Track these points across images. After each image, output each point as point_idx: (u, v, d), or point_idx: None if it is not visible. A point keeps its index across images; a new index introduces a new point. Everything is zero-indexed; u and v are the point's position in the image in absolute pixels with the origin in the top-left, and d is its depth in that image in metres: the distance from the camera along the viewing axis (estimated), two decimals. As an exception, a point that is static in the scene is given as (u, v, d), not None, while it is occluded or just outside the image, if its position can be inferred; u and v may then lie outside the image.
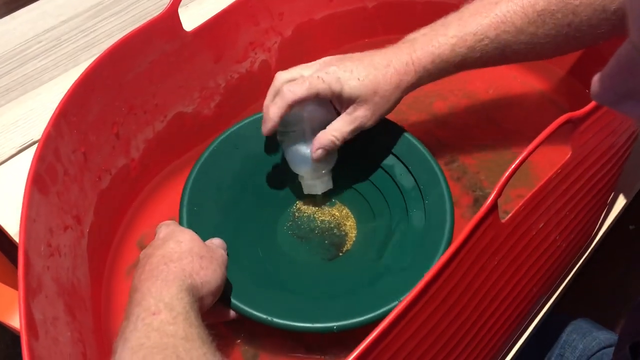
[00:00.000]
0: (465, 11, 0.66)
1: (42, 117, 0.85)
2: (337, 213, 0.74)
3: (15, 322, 0.65)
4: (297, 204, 0.75)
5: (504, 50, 0.65)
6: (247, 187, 0.72)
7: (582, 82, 0.87)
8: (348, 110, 0.65)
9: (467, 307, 0.50)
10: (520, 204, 0.49)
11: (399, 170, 0.71)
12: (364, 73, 0.64)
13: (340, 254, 0.70)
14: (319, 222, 0.73)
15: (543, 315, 0.68)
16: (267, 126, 0.65)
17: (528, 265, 0.56)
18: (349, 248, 0.70)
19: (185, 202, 0.67)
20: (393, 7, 0.92)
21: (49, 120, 0.59)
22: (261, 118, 0.69)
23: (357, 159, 0.74)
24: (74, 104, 0.62)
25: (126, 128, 0.70)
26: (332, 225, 0.73)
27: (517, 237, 0.51)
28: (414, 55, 0.65)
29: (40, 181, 0.56)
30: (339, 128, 0.65)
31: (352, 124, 0.65)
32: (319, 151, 0.66)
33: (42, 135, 0.57)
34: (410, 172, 0.70)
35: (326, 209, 0.74)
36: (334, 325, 0.57)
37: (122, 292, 0.70)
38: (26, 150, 0.82)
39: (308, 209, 0.74)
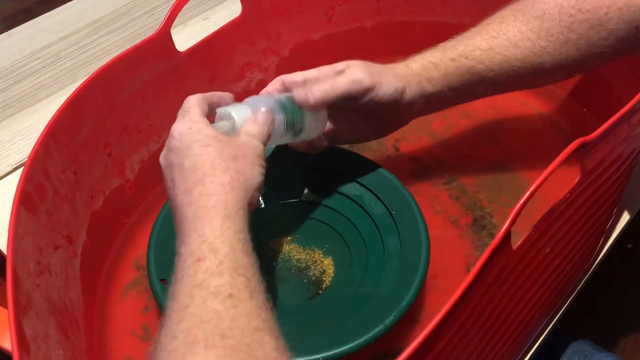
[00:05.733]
0: (459, 35, 0.68)
1: (38, 135, 0.84)
2: (312, 251, 0.71)
3: (5, 342, 0.64)
4: (268, 244, 0.72)
5: (502, 65, 0.65)
6: None
7: (582, 103, 0.86)
8: (345, 71, 0.63)
9: (475, 336, 0.49)
10: (530, 230, 0.48)
11: (368, 199, 0.70)
12: (363, 62, 0.65)
13: (320, 292, 0.68)
14: (294, 261, 0.70)
15: (544, 338, 0.67)
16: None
17: (534, 290, 0.56)
18: (328, 285, 0.68)
19: (152, 251, 0.65)
20: (391, 27, 0.91)
21: (37, 139, 0.58)
22: None
23: (325, 193, 0.73)
24: (63, 124, 0.61)
25: (120, 148, 0.70)
26: (308, 264, 0.70)
27: (526, 263, 0.51)
28: (409, 64, 0.67)
29: (28, 200, 0.56)
30: (331, 81, 0.63)
31: (345, 78, 0.63)
32: (306, 94, 0.62)
33: (29, 155, 0.57)
34: (380, 200, 0.69)
35: (300, 246, 0.72)
36: (320, 357, 0.56)
37: (117, 313, 0.69)
38: (22, 168, 0.81)
39: (281, 248, 0.72)
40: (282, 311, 0.65)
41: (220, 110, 0.59)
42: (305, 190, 0.74)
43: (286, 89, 0.64)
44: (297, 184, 0.74)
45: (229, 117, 0.58)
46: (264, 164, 0.55)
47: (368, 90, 0.63)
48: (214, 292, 0.44)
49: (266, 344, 0.43)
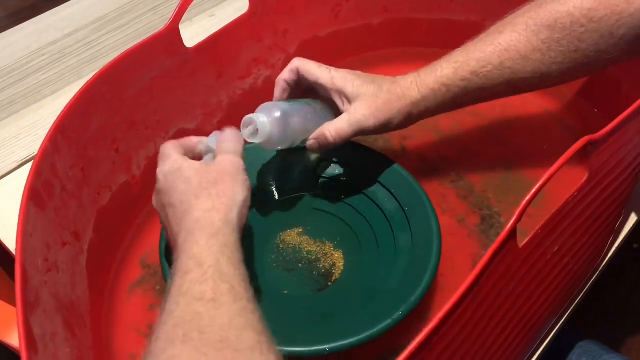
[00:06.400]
0: (470, 43, 0.68)
1: (44, 131, 0.83)
2: (323, 243, 0.72)
3: (13, 340, 0.64)
4: (280, 235, 0.72)
5: (511, 79, 0.66)
6: None
7: (589, 101, 0.86)
8: (349, 110, 0.65)
9: (481, 335, 0.49)
10: (537, 228, 0.48)
11: (381, 194, 0.71)
12: (370, 79, 0.67)
13: (330, 284, 0.68)
14: (305, 252, 0.71)
15: (552, 338, 0.67)
16: (275, 92, 0.68)
17: (542, 289, 0.55)
18: (337, 277, 0.68)
19: (164, 235, 0.65)
20: (398, 24, 0.91)
21: (46, 135, 0.58)
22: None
23: (339, 186, 0.74)
24: (72, 119, 0.61)
25: (127, 144, 0.70)
26: (319, 256, 0.70)
27: (533, 262, 0.50)
28: (418, 78, 0.67)
29: (37, 196, 0.55)
30: (335, 124, 0.65)
31: (350, 121, 0.65)
32: (312, 142, 0.66)
33: (38, 150, 0.57)
34: (393, 195, 0.70)
35: (312, 239, 0.72)
36: (326, 347, 0.56)
37: (123, 310, 0.69)
38: (27, 165, 0.81)
39: (293, 240, 0.72)
40: (291, 302, 0.66)
41: (245, 118, 0.63)
42: (319, 183, 0.75)
43: (298, 78, 0.67)
44: (310, 177, 0.75)
45: (252, 122, 0.63)
46: (245, 177, 0.58)
47: (375, 129, 0.66)
48: (198, 297, 0.46)
49: (246, 338, 0.44)
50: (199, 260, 0.49)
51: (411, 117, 0.67)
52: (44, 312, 0.51)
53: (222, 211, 0.53)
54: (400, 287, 0.61)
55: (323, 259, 0.70)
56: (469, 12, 0.89)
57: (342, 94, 0.66)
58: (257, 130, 0.62)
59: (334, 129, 0.65)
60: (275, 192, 0.74)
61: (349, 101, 0.65)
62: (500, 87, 0.67)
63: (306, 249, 0.71)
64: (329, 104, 0.68)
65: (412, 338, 0.63)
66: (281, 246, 0.72)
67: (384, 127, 0.66)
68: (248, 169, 0.71)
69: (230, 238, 0.52)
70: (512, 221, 0.45)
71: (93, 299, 0.64)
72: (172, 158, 0.58)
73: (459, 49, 0.68)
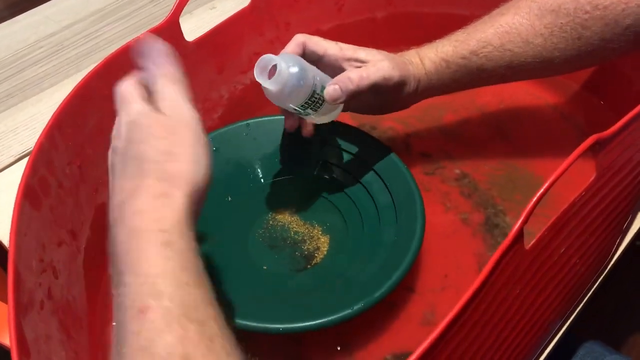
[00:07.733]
0: (472, 24, 0.69)
1: (42, 125, 0.82)
2: (312, 226, 0.72)
3: (6, 340, 0.63)
4: (272, 213, 0.73)
5: (512, 61, 0.66)
6: (224, 190, 0.72)
7: (597, 96, 0.85)
8: (371, 62, 0.64)
9: (488, 338, 0.48)
10: (543, 229, 0.47)
11: (377, 187, 0.71)
12: (376, 49, 0.67)
13: (309, 267, 0.68)
14: (292, 232, 0.71)
15: (558, 340, 0.66)
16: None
17: (549, 291, 0.54)
18: (318, 262, 0.69)
19: None
20: (403, 18, 0.90)
21: (42, 131, 0.57)
22: (246, 125, 0.73)
23: (339, 173, 0.75)
24: (69, 115, 0.60)
25: (125, 140, 0.68)
26: (305, 238, 0.71)
27: (540, 263, 0.49)
28: (420, 52, 0.69)
29: (32, 194, 0.54)
30: (359, 71, 0.63)
31: (376, 66, 0.64)
32: (331, 87, 0.62)
33: (34, 147, 0.56)
34: (388, 190, 0.70)
35: (302, 220, 0.73)
36: (280, 327, 0.57)
37: (120, 309, 0.67)
38: (24, 159, 0.80)
39: (283, 219, 0.73)
40: (265, 278, 0.67)
41: (263, 57, 0.59)
42: (320, 167, 0.75)
43: (304, 52, 0.65)
44: (313, 159, 0.75)
45: (269, 63, 0.59)
46: (204, 138, 0.46)
47: (395, 86, 0.65)
48: (163, 355, 0.36)
49: None
50: (155, 288, 0.38)
51: (419, 88, 0.67)
52: (38, 314, 0.50)
53: (177, 197, 0.42)
54: (370, 280, 0.62)
55: (309, 241, 0.71)
56: (475, 7, 0.87)
57: (354, 59, 0.65)
58: (274, 73, 0.58)
59: (357, 73, 0.63)
60: (275, 170, 0.75)
61: (365, 63, 0.65)
62: (502, 70, 0.67)
63: (294, 229, 0.72)
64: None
65: (418, 342, 0.62)
66: (271, 222, 0.72)
67: (401, 87, 0.66)
68: (254, 142, 0.74)
69: (188, 237, 0.41)
70: (518, 223, 0.43)
71: (89, 300, 0.63)
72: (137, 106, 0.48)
73: (460, 29, 0.69)
